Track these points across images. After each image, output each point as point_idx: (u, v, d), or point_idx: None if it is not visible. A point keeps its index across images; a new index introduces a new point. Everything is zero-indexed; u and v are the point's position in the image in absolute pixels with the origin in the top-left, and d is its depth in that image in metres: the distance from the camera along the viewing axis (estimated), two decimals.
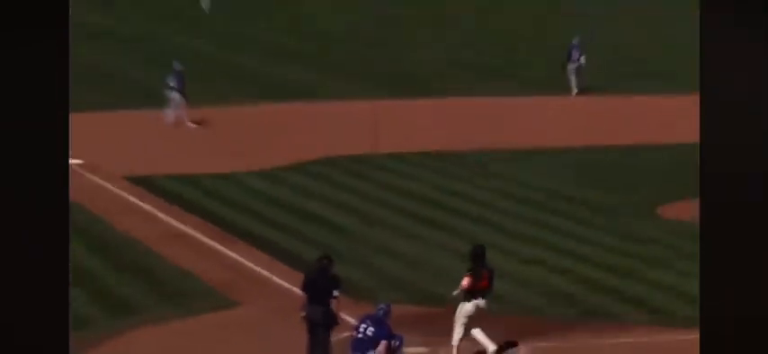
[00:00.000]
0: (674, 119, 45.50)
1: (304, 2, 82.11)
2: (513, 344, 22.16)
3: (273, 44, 66.07)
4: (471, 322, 21.58)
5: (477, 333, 21.67)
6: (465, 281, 21.58)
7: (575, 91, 49.26)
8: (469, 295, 21.55)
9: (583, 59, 49.34)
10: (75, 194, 33.74)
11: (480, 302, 21.51)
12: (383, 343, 20.68)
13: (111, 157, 38.29)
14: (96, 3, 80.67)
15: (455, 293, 21.77)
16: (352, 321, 21.32)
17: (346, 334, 21.25)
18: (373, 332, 20.74)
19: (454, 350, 21.68)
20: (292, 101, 48.73)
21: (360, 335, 20.73)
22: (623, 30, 72.69)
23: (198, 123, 43.08)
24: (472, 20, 76.70)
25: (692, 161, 38.38)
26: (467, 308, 21.54)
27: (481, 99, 49.42)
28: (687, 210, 32.21)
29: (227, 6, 79.33)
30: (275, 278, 26.38)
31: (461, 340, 21.62)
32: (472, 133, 42.20)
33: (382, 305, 21.49)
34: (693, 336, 22.79)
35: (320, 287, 21.23)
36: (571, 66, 49.26)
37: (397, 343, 21.19)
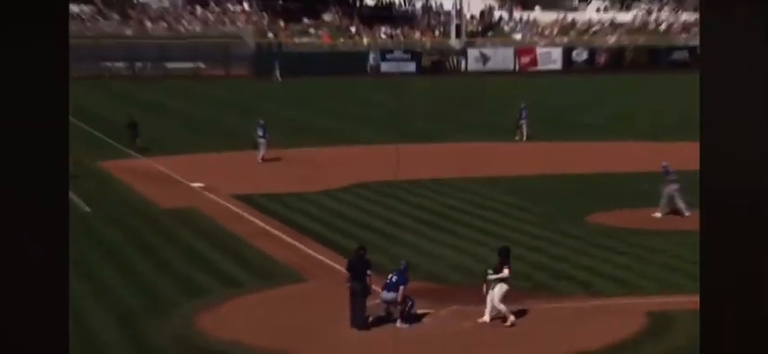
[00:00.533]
0: (597, 157, 45.66)
1: (343, 82, 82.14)
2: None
3: (326, 107, 66.30)
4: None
5: (493, 303, 21.39)
6: (506, 270, 21.31)
7: (524, 138, 49.53)
8: (502, 278, 21.27)
9: (526, 118, 49.73)
10: (199, 206, 34.25)
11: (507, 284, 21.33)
12: (402, 288, 21.11)
13: (223, 182, 38.43)
14: (219, 84, 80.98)
15: (492, 277, 21.39)
16: (380, 291, 21.57)
17: (377, 301, 21.51)
18: (396, 280, 21.22)
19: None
20: (339, 145, 48.90)
21: (388, 281, 21.25)
22: (562, 96, 72.73)
23: (278, 159, 43.27)
24: (466, 90, 76.86)
25: (609, 184, 38.54)
26: (505, 288, 21.29)
27: (467, 143, 49.69)
28: (605, 218, 32.30)
29: (293, 82, 79.69)
30: (330, 262, 26.48)
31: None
32: (460, 166, 42.38)
33: (403, 262, 21.91)
34: (610, 302, 23.16)
35: (358, 268, 21.41)
36: (521, 122, 49.68)
37: (410, 303, 21.47)
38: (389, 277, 21.40)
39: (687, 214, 31.28)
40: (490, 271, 21.63)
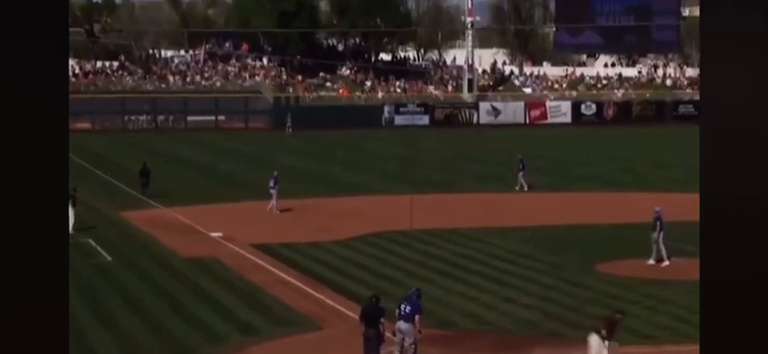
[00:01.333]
0: (606, 207, 45.39)
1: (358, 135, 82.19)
2: None
3: (341, 159, 66.28)
4: None
5: None
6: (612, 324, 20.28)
7: (525, 188, 49.67)
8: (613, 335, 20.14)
9: (524, 170, 50.22)
10: (218, 255, 34.12)
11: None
12: (417, 317, 20.95)
13: (241, 231, 38.37)
14: (237, 137, 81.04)
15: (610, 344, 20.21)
16: (393, 338, 21.36)
17: (391, 348, 21.30)
18: (410, 310, 21.03)
19: None
20: (354, 195, 48.82)
21: (402, 312, 21.07)
22: (572, 148, 72.55)
23: (291, 210, 43.08)
24: (476, 142, 76.90)
25: (618, 234, 38.17)
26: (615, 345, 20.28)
27: (479, 194, 49.55)
28: (614, 268, 32.06)
29: (310, 134, 79.80)
30: (344, 310, 26.32)
31: None
32: (473, 216, 42.22)
33: (413, 289, 21.70)
34: (621, 351, 22.87)
35: (372, 315, 21.28)
36: (520, 173, 49.93)
37: (414, 349, 21.20)
38: (403, 307, 21.18)
39: (650, 262, 31.98)
40: (594, 335, 20.24)
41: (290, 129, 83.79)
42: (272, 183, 43.05)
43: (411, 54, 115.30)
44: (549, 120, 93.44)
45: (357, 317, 22.19)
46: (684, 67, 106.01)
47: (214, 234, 37.89)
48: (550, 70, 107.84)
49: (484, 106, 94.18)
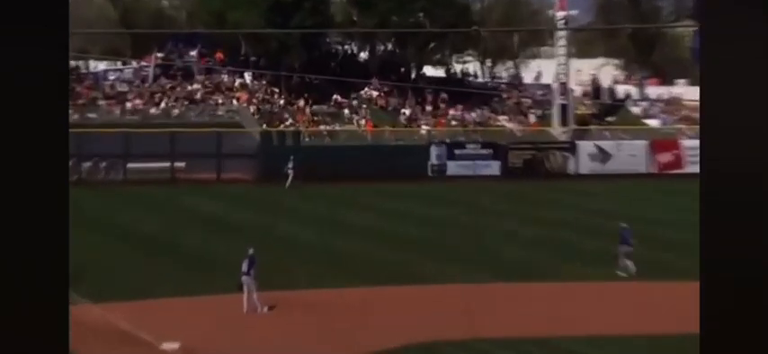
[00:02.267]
0: None
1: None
2: None
3: (365, 227, 66.41)
4: None
5: None
6: None
7: (631, 270, 50.06)
8: None
9: (629, 245, 50.61)
10: None
11: None
12: None
13: (208, 341, 38.53)
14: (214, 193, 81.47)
15: None
16: None
17: None
18: None
19: None
20: (384, 285, 48.89)
21: None
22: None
23: (272, 307, 43.22)
24: (566, 206, 77.01)
25: None
26: None
27: (574, 284, 49.56)
28: None
29: (317, 189, 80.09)
30: None
31: None
32: (563, 318, 42.24)
33: None
34: None
35: None
36: (620, 251, 50.48)
37: None
38: None
39: None
40: None
41: (290, 180, 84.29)
42: (245, 268, 43.31)
43: (472, 67, 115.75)
44: (686, 169, 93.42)
45: None
46: None
47: (168, 346, 38.09)
48: (687, 91, 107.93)
49: (585, 146, 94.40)
